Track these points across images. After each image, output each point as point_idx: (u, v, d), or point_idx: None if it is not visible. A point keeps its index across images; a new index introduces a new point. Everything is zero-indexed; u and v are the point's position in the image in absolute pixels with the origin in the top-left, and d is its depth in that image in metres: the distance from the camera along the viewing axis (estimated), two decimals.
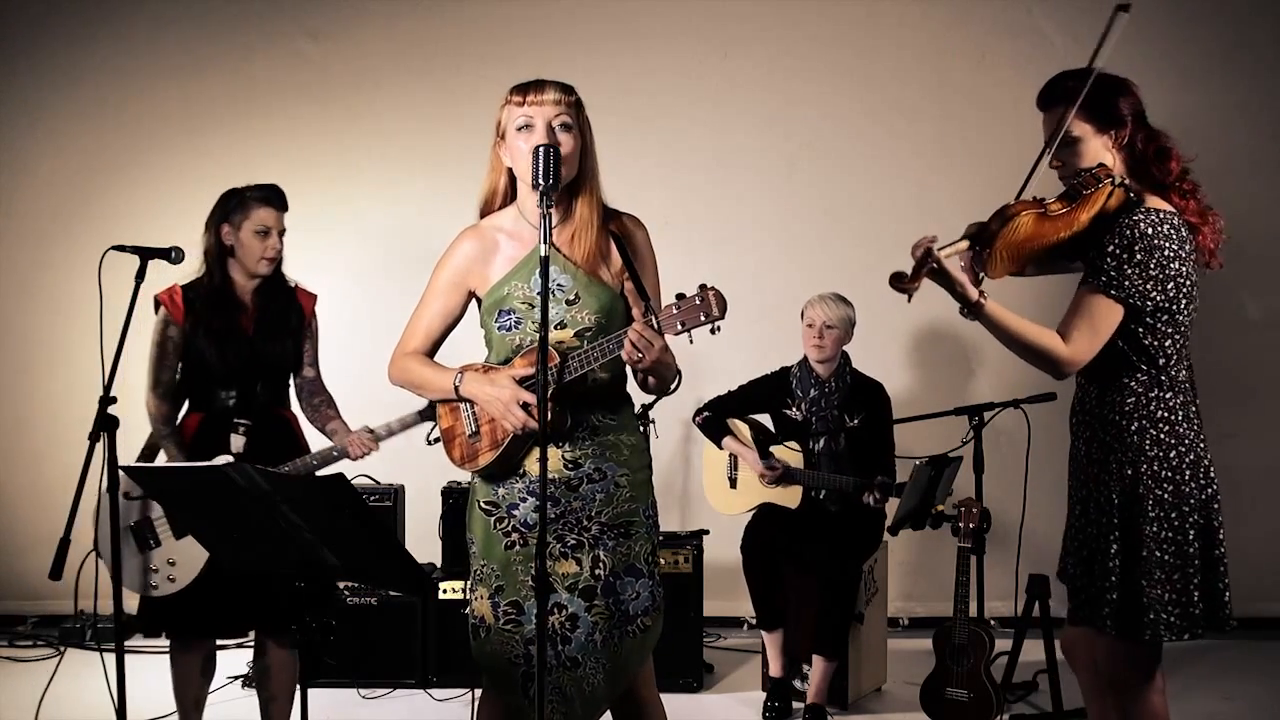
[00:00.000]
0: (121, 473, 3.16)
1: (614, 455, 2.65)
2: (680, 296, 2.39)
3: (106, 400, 3.15)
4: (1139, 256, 2.53)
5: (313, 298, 3.66)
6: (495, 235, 2.70)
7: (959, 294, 2.56)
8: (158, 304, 3.48)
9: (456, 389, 2.63)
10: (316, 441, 3.65)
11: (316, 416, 3.66)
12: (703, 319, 2.35)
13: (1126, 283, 2.54)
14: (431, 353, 2.76)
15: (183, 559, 3.37)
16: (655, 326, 2.41)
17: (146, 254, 3.33)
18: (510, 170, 2.66)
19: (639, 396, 2.87)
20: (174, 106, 5.78)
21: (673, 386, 2.68)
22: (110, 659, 3.12)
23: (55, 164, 5.84)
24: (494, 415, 2.58)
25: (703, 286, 2.37)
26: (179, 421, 3.52)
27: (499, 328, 2.65)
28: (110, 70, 5.80)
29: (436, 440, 2.76)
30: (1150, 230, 2.54)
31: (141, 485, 3.08)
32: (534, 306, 2.59)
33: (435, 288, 2.73)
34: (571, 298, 2.62)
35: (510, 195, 2.71)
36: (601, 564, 2.61)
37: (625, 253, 2.63)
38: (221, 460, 3.34)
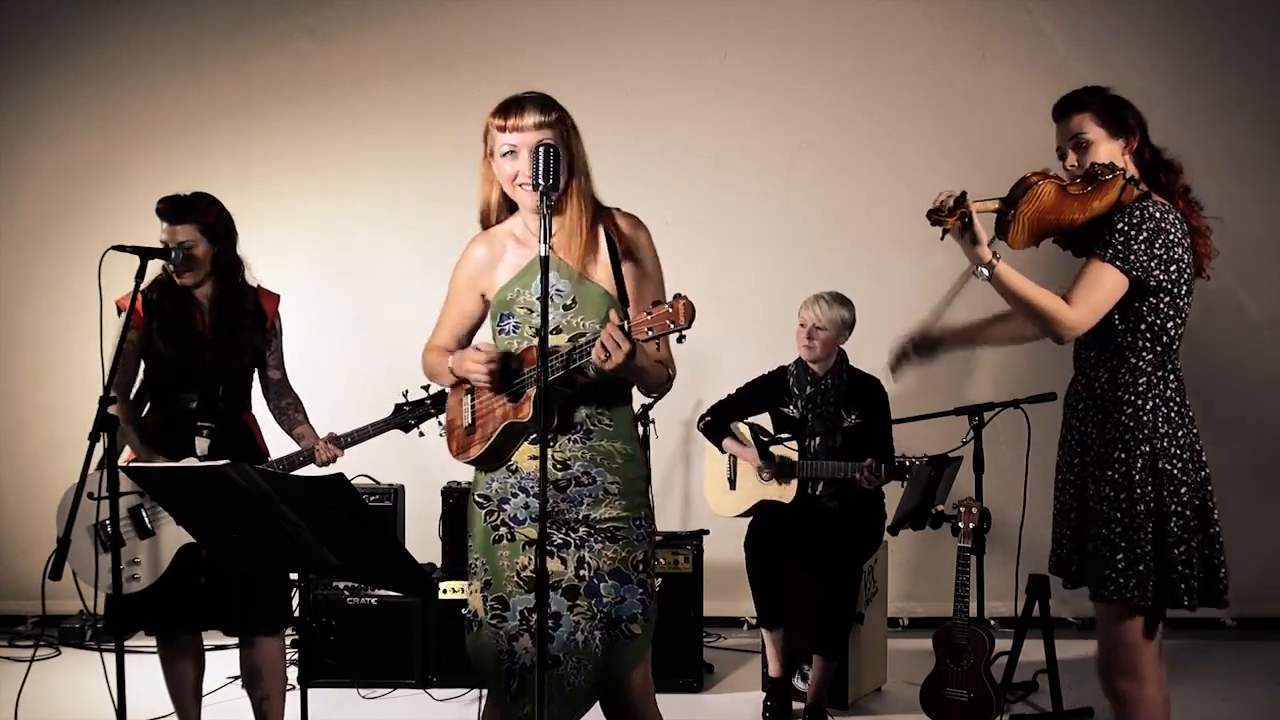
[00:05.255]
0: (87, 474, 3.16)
1: (606, 463, 2.64)
2: (656, 304, 2.41)
3: (106, 400, 3.14)
4: (1145, 235, 2.67)
5: (275, 299, 3.65)
6: (505, 240, 2.74)
7: (976, 249, 2.65)
8: (118, 308, 3.47)
9: (451, 369, 2.69)
10: (276, 446, 3.66)
11: (283, 419, 3.66)
12: (670, 327, 2.36)
13: (1132, 256, 2.67)
14: (459, 349, 2.79)
15: (146, 558, 3.37)
16: (625, 330, 2.41)
17: (146, 254, 3.33)
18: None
19: (638, 398, 2.87)
20: (174, 106, 5.78)
21: (662, 390, 2.72)
22: (110, 659, 3.11)
23: (55, 164, 5.84)
24: (469, 375, 2.61)
25: (676, 296, 2.38)
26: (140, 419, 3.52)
27: (500, 332, 2.70)
28: (110, 70, 5.80)
29: (442, 434, 2.83)
30: (1158, 214, 2.69)
31: (142, 485, 3.08)
32: (533, 311, 2.63)
33: (454, 290, 2.80)
34: (569, 302, 2.63)
35: (510, 205, 2.73)
36: (586, 565, 2.62)
37: (614, 250, 2.64)
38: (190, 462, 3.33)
